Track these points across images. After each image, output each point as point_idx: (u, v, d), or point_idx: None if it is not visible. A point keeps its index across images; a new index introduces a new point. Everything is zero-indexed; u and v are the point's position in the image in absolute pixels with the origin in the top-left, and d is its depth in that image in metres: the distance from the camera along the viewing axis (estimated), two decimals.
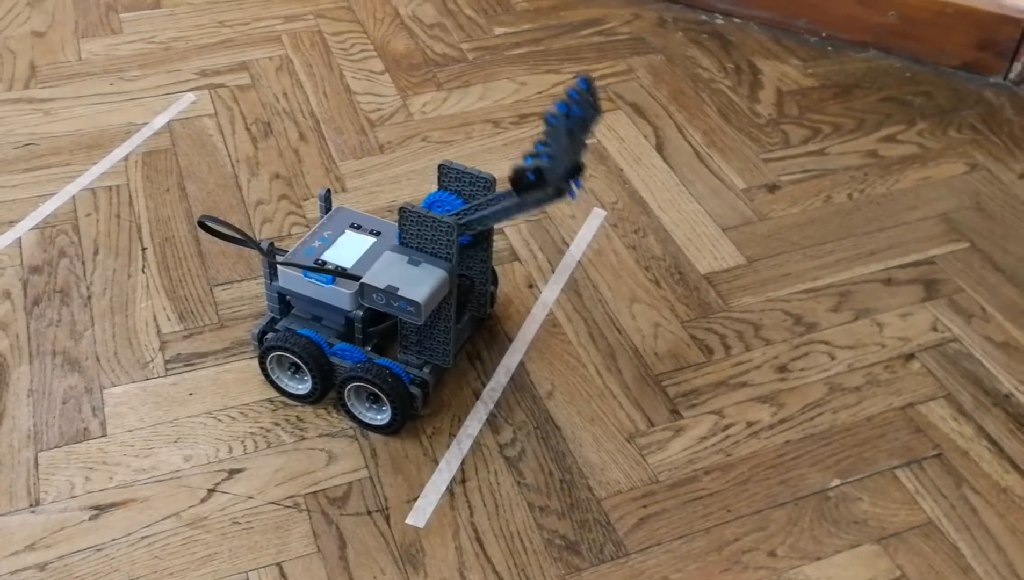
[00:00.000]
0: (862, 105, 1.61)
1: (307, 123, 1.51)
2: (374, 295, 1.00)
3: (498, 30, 1.74)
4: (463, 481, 1.05)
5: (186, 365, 1.15)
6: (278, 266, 1.07)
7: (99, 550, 0.97)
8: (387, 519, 1.01)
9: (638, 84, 1.63)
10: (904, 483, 1.07)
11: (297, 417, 1.10)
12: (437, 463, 1.07)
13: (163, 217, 1.33)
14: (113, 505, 1.01)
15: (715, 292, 1.28)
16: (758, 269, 1.32)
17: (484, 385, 1.15)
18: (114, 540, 0.98)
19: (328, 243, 1.10)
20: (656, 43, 1.73)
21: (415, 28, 1.73)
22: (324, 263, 1.07)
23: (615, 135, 1.52)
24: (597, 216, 1.38)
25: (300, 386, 1.10)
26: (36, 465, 1.04)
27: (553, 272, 1.29)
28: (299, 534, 0.99)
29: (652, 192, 1.42)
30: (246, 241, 1.07)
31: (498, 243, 1.32)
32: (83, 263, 1.26)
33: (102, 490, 1.02)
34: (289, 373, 1.11)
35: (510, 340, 1.20)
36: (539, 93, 1.60)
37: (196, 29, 1.69)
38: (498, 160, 1.46)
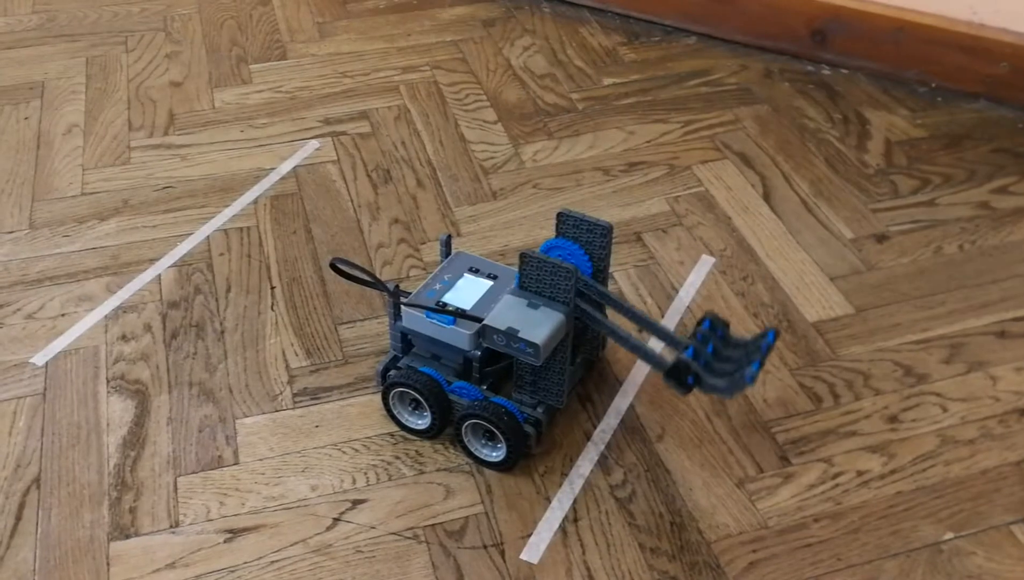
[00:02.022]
0: (973, 156, 1.61)
1: (424, 170, 1.58)
2: (495, 336, 1.05)
3: (607, 81, 1.79)
4: (575, 520, 1.08)
5: (312, 398, 1.21)
6: (402, 307, 1.13)
7: (232, 571, 1.03)
8: (502, 554, 1.05)
9: (745, 134, 1.66)
10: (1020, 539, 1.06)
11: (416, 451, 1.15)
12: (550, 501, 1.10)
13: (290, 258, 1.41)
14: (246, 530, 1.07)
15: (823, 341, 1.29)
16: (867, 319, 1.32)
17: (595, 426, 1.18)
18: (246, 563, 1.04)
19: (448, 286, 1.15)
20: (762, 93, 1.76)
21: (526, 79, 1.80)
22: (445, 305, 1.12)
23: (723, 184, 1.55)
24: (706, 263, 1.41)
25: (420, 421, 1.16)
26: (175, 489, 1.11)
27: (662, 317, 1.32)
28: (419, 565, 1.04)
29: (760, 240, 1.44)
30: (375, 283, 1.13)
31: (608, 287, 1.36)
32: (217, 300, 1.34)
33: (235, 515, 1.08)
34: (410, 409, 1.16)
35: (620, 383, 1.23)
36: (647, 142, 1.64)
37: (320, 79, 1.78)
38: (607, 207, 1.50)
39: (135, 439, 1.16)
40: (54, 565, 1.03)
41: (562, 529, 1.07)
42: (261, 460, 1.14)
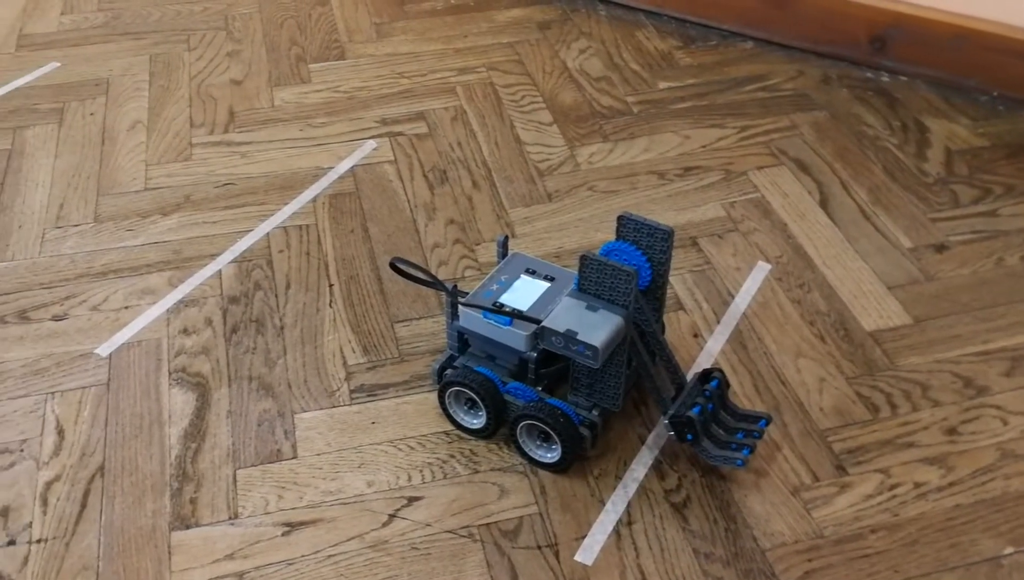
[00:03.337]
0: None
1: (480, 171, 1.59)
2: (553, 338, 1.05)
3: (663, 84, 1.79)
4: (629, 523, 1.09)
5: (369, 395, 1.23)
6: (460, 307, 1.14)
7: (290, 564, 1.05)
8: (556, 555, 1.06)
9: (802, 140, 1.65)
10: None
11: (471, 451, 1.16)
12: (604, 504, 1.10)
13: (348, 256, 1.43)
14: (303, 523, 1.08)
15: (881, 350, 1.28)
16: (925, 329, 1.31)
17: (650, 431, 1.18)
18: (303, 556, 1.05)
19: (505, 287, 1.16)
20: (820, 100, 1.74)
21: (582, 81, 1.80)
22: (502, 306, 1.13)
23: (779, 190, 1.54)
24: (762, 269, 1.40)
25: (475, 421, 1.17)
26: (235, 481, 1.13)
27: (718, 322, 1.32)
28: (473, 563, 1.05)
29: (816, 247, 1.44)
30: (434, 283, 1.14)
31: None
32: (276, 296, 1.36)
33: (293, 508, 1.10)
34: (465, 408, 1.17)
35: None
36: (703, 147, 1.64)
37: (377, 80, 1.80)
38: (663, 210, 1.50)
39: (196, 431, 1.18)
40: (117, 552, 1.05)
41: (616, 532, 1.08)
42: (318, 455, 1.15)
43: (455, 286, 1.14)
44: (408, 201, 1.53)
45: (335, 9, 2.01)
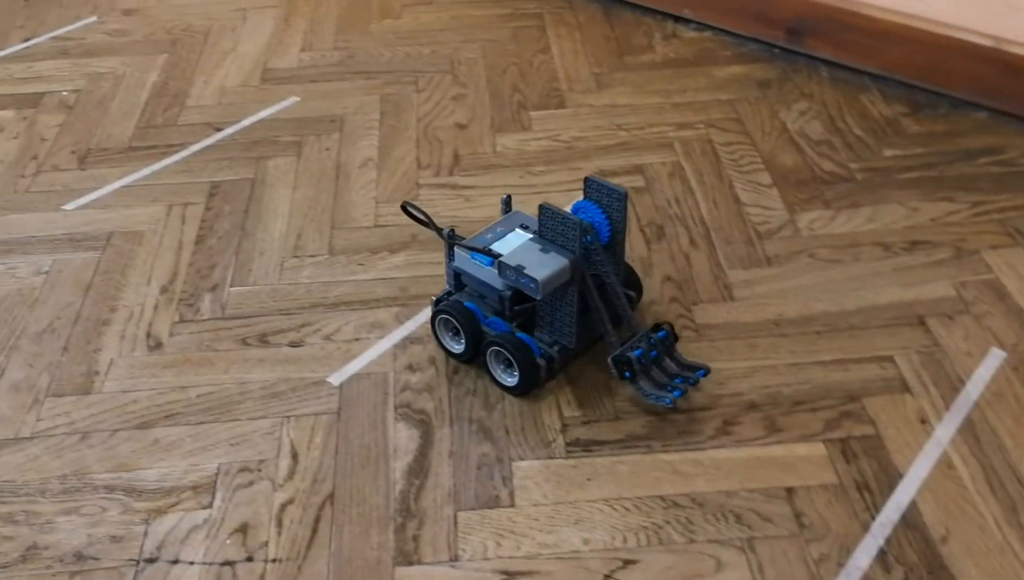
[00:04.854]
0: None
1: (697, 229, 1.59)
2: (507, 271, 1.23)
3: (888, 152, 1.74)
4: None
5: (584, 450, 1.24)
6: (455, 249, 1.32)
7: None
8: None
9: None
10: None
11: (687, 519, 1.15)
12: None
13: None
14: (520, 573, 1.10)
15: None
16: None
17: (873, 518, 1.14)
18: None
19: (498, 237, 1.33)
20: None
21: (803, 144, 1.78)
22: (489, 250, 1.29)
23: (1016, 273, 1.47)
24: (996, 356, 1.34)
25: (457, 346, 1.34)
26: (455, 523, 1.16)
27: (947, 410, 1.27)
28: None
29: None
30: (429, 225, 1.34)
31: (887, 370, 1.32)
32: None
33: (511, 557, 1.12)
34: (450, 334, 1.35)
35: (901, 475, 1.19)
36: (932, 220, 1.58)
37: (595, 130, 1.83)
38: (887, 285, 1.46)
39: (419, 468, 1.22)
40: None
41: None
42: (535, 506, 1.18)
43: (452, 230, 1.32)
44: (626, 255, 1.54)
45: (556, 57, 2.06)
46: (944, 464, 1.20)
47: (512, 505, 1.18)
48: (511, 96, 1.94)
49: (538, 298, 1.21)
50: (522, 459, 1.23)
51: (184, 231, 1.61)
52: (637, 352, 1.24)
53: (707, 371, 1.28)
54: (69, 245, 1.59)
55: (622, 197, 1.27)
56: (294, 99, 1.95)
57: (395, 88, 1.97)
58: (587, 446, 1.25)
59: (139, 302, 1.48)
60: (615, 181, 1.69)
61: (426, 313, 1.44)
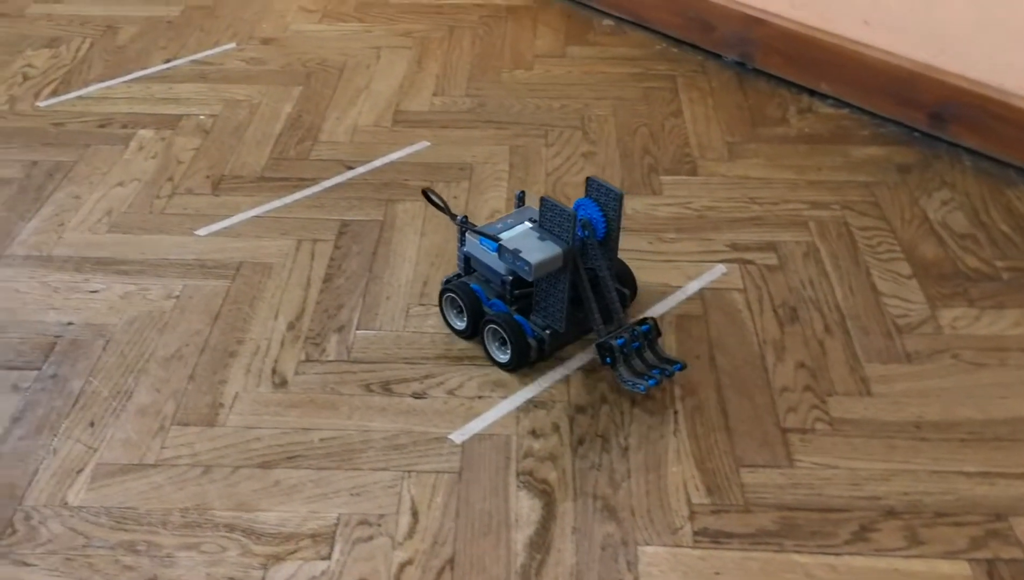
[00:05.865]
0: None
1: (832, 315, 1.54)
2: (506, 254, 1.34)
3: None
4: None
5: (712, 541, 1.19)
6: (466, 234, 1.43)
7: None
8: None
9: None
10: None
11: None
12: None
13: (692, 382, 1.41)
14: None
15: None
16: None
17: None
18: None
19: (507, 227, 1.42)
20: None
21: (944, 235, 1.71)
22: (495, 237, 1.38)
23: None
24: None
25: (460, 323, 1.46)
26: None
27: None
28: None
29: None
30: (445, 211, 1.45)
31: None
32: (621, 413, 1.36)
33: None
34: (455, 312, 1.46)
35: None
36: None
37: (728, 201, 1.79)
38: None
39: (541, 542, 1.19)
40: None
41: None
42: None
43: (465, 217, 1.43)
44: (756, 335, 1.50)
45: (688, 122, 2.03)
46: None
47: None
48: (642, 158, 1.91)
49: (531, 279, 1.33)
50: (648, 544, 1.19)
51: (313, 268, 1.61)
52: (620, 341, 1.33)
53: (684, 366, 1.37)
54: (200, 271, 1.60)
55: (618, 198, 1.37)
56: (425, 143, 1.95)
57: (524, 140, 1.96)
58: (715, 537, 1.20)
59: (266, 337, 1.48)
60: (749, 257, 1.65)
61: (551, 376, 1.42)
